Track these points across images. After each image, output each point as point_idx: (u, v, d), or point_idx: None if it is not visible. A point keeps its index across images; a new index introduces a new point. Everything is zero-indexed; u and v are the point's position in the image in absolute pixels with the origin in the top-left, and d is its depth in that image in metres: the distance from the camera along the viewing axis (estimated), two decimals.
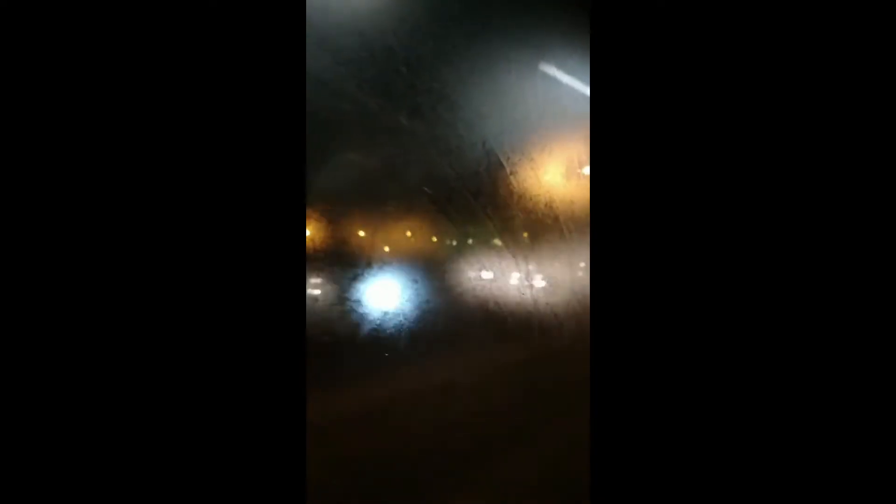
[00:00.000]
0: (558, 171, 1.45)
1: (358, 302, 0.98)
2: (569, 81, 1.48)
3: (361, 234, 1.01)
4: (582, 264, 1.51)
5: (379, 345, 1.01)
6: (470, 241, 1.21)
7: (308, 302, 0.89)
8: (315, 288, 0.92)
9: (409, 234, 1.10)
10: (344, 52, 0.97)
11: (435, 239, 1.14)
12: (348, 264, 0.98)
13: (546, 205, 1.42)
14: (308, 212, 0.90)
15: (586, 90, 1.48)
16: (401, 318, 1.05)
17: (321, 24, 0.92)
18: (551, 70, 1.45)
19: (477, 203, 1.21)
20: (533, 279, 1.35)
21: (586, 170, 1.52)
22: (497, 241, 1.27)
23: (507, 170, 1.30)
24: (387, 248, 1.04)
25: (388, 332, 1.03)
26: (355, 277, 0.98)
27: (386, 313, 1.03)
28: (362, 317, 0.99)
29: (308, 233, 0.91)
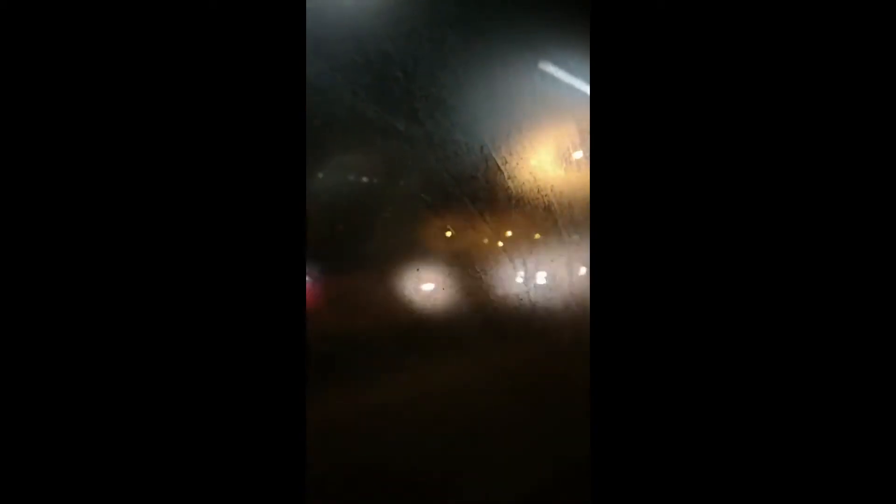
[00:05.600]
0: (557, 174, 1.45)
1: (356, 306, 0.98)
2: (568, 83, 1.49)
3: (360, 239, 1.01)
4: (581, 267, 1.50)
5: (378, 348, 1.00)
6: (468, 246, 1.20)
7: (308, 305, 0.89)
8: (313, 292, 0.92)
9: (406, 238, 1.10)
10: (339, 57, 0.97)
11: (433, 243, 1.14)
12: (346, 269, 0.98)
13: (545, 208, 1.42)
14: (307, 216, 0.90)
15: (586, 91, 1.49)
16: (400, 322, 1.05)
17: (316, 30, 0.92)
18: (550, 72, 1.45)
19: (475, 207, 1.21)
20: (532, 283, 1.35)
21: (586, 172, 1.52)
22: (495, 246, 1.27)
23: (506, 174, 1.30)
24: (383, 254, 1.04)
25: (387, 335, 1.02)
26: (353, 282, 0.98)
27: (384, 318, 1.02)
28: (361, 320, 0.98)
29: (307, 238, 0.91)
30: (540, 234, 1.41)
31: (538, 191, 1.39)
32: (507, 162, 1.30)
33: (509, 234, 1.31)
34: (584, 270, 1.50)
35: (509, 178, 1.31)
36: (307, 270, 0.87)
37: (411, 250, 1.11)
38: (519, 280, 1.32)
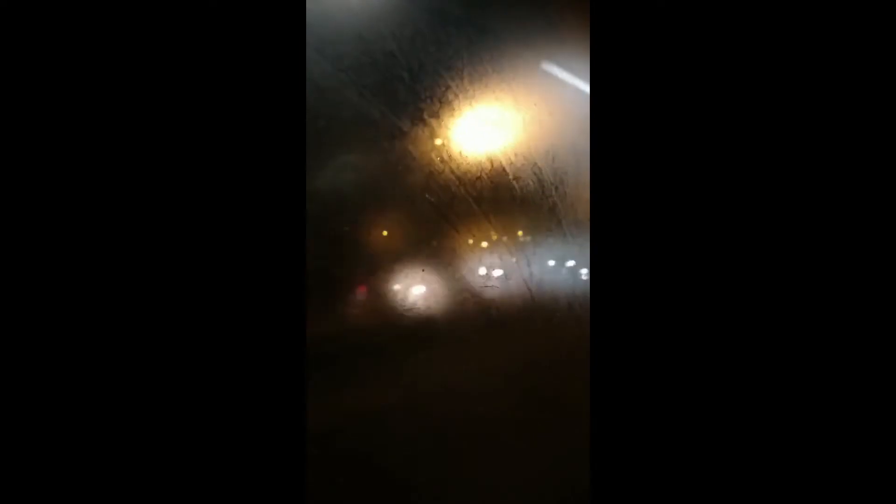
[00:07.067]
0: (561, 175, 1.45)
1: (359, 307, 0.98)
2: (570, 83, 1.48)
3: (363, 239, 1.01)
4: (585, 268, 1.50)
5: (380, 349, 1.00)
6: (472, 247, 1.20)
7: (308, 307, 0.89)
8: (316, 293, 0.92)
9: (410, 239, 1.10)
10: (344, 58, 0.97)
11: (436, 244, 1.14)
12: (349, 270, 0.98)
13: (549, 209, 1.42)
14: (309, 218, 0.90)
15: (587, 91, 1.48)
16: (403, 323, 1.05)
17: (321, 30, 0.93)
18: (553, 72, 1.45)
19: (479, 208, 1.21)
20: (535, 283, 1.35)
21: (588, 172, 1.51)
22: (499, 246, 1.27)
23: (510, 174, 1.30)
24: (388, 254, 1.04)
25: (389, 336, 1.02)
26: (357, 283, 0.98)
27: (387, 319, 1.02)
28: (363, 322, 0.99)
29: (309, 239, 0.91)
30: (544, 235, 1.41)
31: (542, 191, 1.39)
32: (511, 162, 1.30)
33: (514, 234, 1.31)
34: (587, 271, 1.49)
35: (514, 178, 1.31)
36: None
37: (415, 250, 1.11)
38: (523, 280, 1.32)
